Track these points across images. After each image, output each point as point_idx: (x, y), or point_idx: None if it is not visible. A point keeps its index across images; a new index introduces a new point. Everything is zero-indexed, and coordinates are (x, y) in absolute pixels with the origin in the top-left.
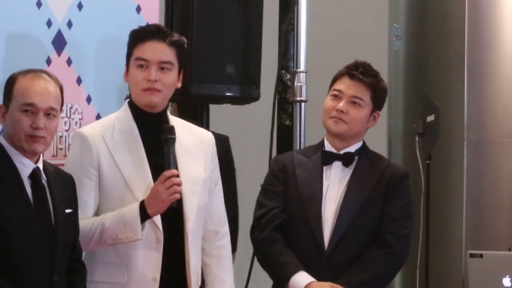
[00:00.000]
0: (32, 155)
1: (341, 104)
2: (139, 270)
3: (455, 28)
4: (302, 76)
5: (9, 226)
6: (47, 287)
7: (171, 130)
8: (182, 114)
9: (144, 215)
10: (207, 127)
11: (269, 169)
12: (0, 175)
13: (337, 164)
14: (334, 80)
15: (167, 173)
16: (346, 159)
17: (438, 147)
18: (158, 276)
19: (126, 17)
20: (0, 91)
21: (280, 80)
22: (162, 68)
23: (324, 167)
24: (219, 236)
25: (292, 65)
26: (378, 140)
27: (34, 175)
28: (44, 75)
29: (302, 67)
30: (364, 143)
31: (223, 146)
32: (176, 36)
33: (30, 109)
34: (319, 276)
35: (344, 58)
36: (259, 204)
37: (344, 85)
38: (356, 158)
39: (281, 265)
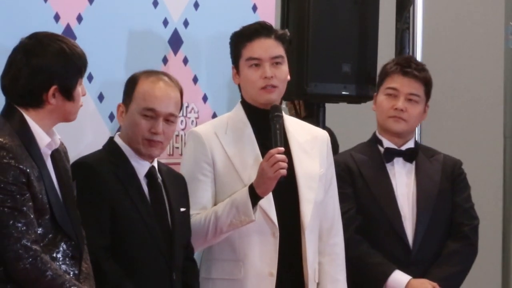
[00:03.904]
0: (148, 158)
1: (400, 103)
2: (255, 266)
3: None
4: None
5: (130, 226)
6: (167, 286)
7: (277, 108)
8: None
9: (255, 197)
10: (323, 126)
11: None
12: (118, 174)
13: (398, 160)
14: (384, 76)
15: (272, 151)
16: (409, 155)
17: None
18: (274, 271)
19: (242, 16)
20: (120, 89)
21: None
22: (274, 64)
23: (386, 164)
24: (333, 234)
25: None
26: (493, 138)
27: (151, 175)
28: (166, 78)
29: None
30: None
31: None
32: (279, 30)
33: (150, 114)
34: (407, 273)
35: (459, 57)
36: None
37: (398, 83)
38: None
39: (374, 266)
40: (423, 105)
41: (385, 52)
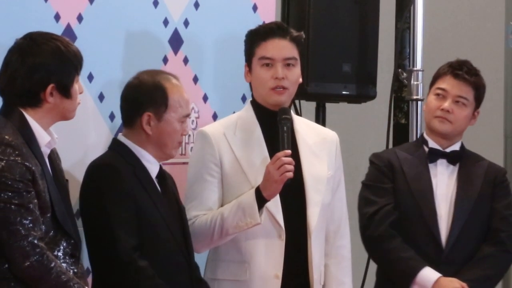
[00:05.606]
0: (167, 159)
1: (446, 104)
2: (261, 268)
3: None
4: (419, 74)
5: (154, 225)
6: (189, 283)
7: (285, 110)
8: None
9: (261, 199)
10: (323, 125)
11: (373, 165)
12: (137, 175)
13: (442, 162)
14: (436, 78)
15: (279, 154)
16: (453, 157)
17: None
18: (280, 274)
19: (243, 16)
20: (121, 89)
21: (396, 79)
22: (287, 65)
23: (429, 164)
24: (339, 236)
25: (408, 63)
26: (494, 137)
27: (161, 174)
28: (175, 78)
29: (418, 65)
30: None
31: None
32: (295, 32)
33: (185, 119)
34: (438, 272)
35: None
36: (366, 201)
37: (449, 85)
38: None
39: (404, 260)
40: (471, 110)
41: (385, 52)
